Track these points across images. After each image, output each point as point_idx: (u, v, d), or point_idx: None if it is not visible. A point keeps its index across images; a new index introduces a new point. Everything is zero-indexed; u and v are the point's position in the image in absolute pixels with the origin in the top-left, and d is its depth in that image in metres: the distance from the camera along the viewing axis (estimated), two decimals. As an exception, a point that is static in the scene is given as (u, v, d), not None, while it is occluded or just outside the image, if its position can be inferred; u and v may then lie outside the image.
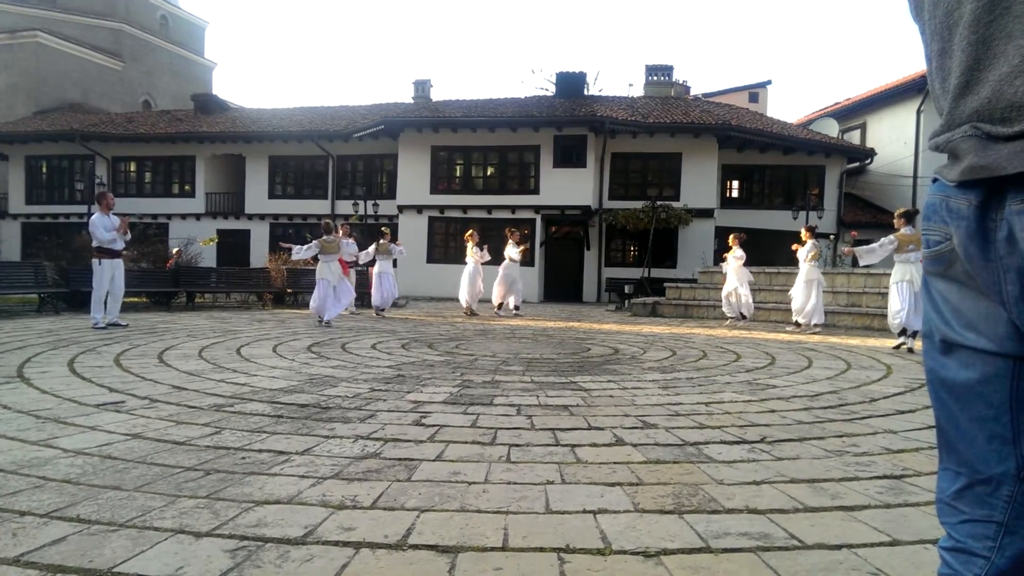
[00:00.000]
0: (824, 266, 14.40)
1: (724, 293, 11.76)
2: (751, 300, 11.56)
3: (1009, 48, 0.73)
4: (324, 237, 10.46)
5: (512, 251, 12.90)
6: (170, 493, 2.30)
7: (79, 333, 7.60)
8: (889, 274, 8.32)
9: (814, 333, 9.73)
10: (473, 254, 12.97)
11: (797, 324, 10.31)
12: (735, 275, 11.44)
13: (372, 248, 12.39)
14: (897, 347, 7.70)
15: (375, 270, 12.59)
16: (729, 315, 11.68)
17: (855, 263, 9.37)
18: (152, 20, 35.05)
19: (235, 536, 1.95)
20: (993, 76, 0.75)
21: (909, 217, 7.74)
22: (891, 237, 7.72)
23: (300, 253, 10.23)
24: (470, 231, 13.76)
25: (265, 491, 2.35)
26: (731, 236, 11.86)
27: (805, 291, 10.07)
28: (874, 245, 7.81)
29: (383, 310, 12.43)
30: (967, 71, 0.78)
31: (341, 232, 12.56)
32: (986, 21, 0.75)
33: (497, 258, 13.38)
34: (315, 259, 10.62)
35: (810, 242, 10.17)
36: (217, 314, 11.65)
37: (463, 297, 13.04)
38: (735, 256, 11.42)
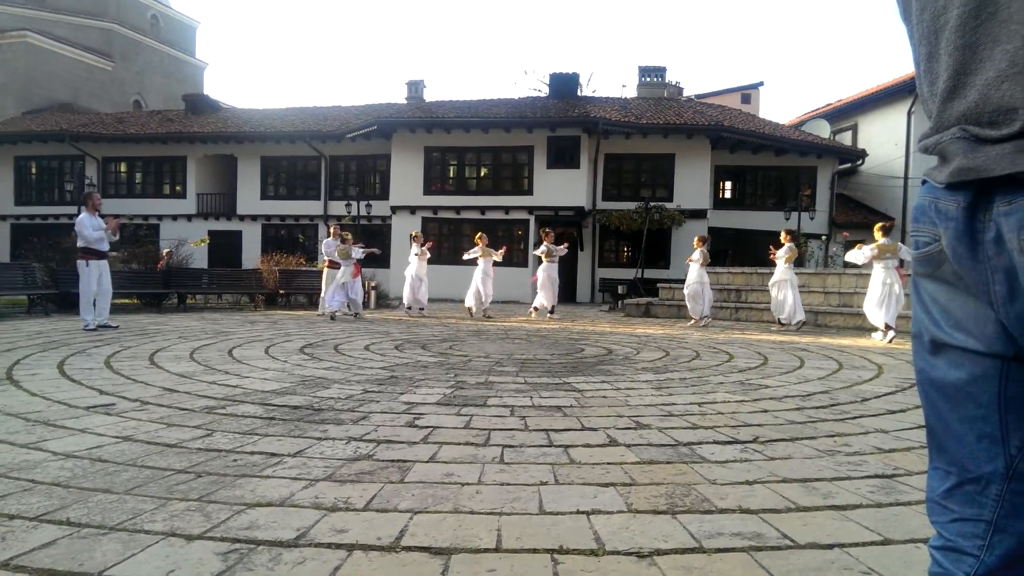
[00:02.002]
0: (816, 266, 14.50)
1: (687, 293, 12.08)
2: (703, 302, 11.79)
3: (995, 52, 0.73)
4: (340, 245, 11.76)
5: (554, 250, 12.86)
6: (161, 496, 2.29)
7: (69, 335, 7.55)
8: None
9: (796, 331, 10.06)
10: (484, 254, 12.81)
11: (779, 323, 10.67)
12: (692, 275, 11.78)
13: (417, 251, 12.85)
14: (890, 340, 8.66)
15: (409, 273, 12.81)
16: (692, 315, 11.86)
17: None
18: (143, 20, 34.87)
19: (227, 539, 1.94)
20: (980, 80, 0.76)
21: (886, 230, 9.15)
22: (873, 247, 9.04)
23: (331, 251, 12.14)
24: (479, 233, 13.77)
25: (257, 493, 2.33)
26: (696, 238, 12.26)
27: (779, 291, 10.58)
28: (860, 251, 9.23)
29: (411, 309, 12.87)
30: (954, 75, 0.79)
31: (332, 233, 12.66)
32: (972, 26, 0.76)
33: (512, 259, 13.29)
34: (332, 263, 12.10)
35: (787, 245, 10.63)
36: (209, 315, 11.59)
37: (469, 300, 12.93)
38: (692, 258, 11.83)
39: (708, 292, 11.76)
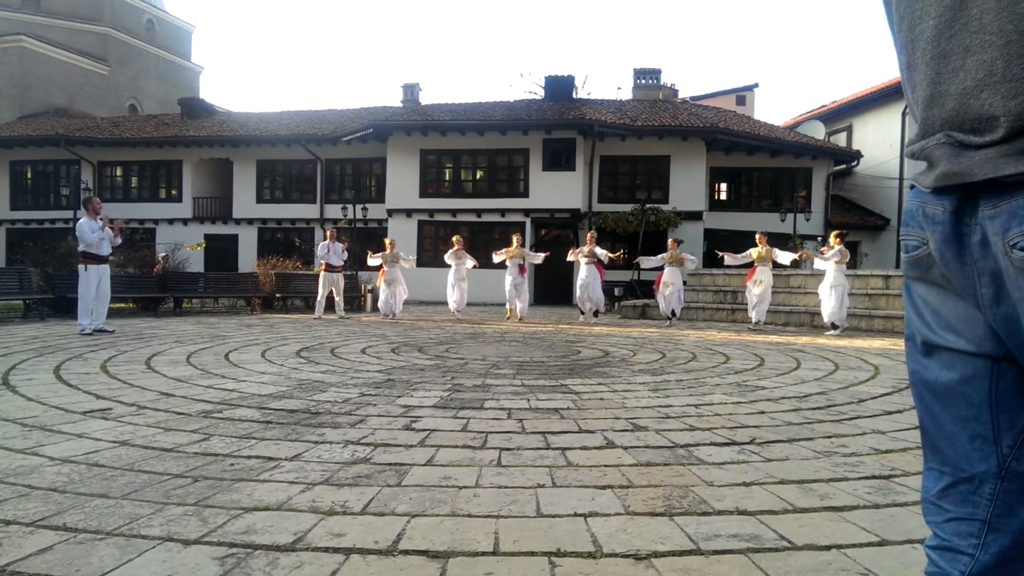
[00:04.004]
0: (811, 268, 14.67)
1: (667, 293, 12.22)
2: (674, 300, 12.09)
3: (968, 62, 0.75)
4: (386, 252, 12.85)
5: (599, 252, 12.68)
6: (158, 501, 2.28)
7: (65, 339, 7.52)
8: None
9: (759, 331, 10.53)
10: (510, 255, 12.78)
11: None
12: (670, 276, 12.03)
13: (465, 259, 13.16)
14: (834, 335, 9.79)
15: (450, 278, 12.93)
16: (665, 313, 12.18)
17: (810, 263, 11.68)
18: (138, 24, 34.82)
19: (224, 543, 1.93)
20: (955, 89, 0.77)
21: (843, 237, 10.49)
22: (837, 252, 10.15)
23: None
24: (516, 234, 13.79)
25: (254, 497, 2.33)
26: (670, 240, 12.67)
27: (762, 293, 11.03)
28: (827, 255, 10.36)
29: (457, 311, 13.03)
30: (931, 84, 0.81)
31: (328, 236, 12.69)
32: (947, 36, 0.77)
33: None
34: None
35: (762, 247, 11.10)
36: (205, 319, 11.57)
37: (514, 304, 12.90)
38: (689, 258, 12.23)
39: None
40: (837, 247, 10.20)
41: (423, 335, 9.14)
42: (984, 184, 0.75)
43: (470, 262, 13.07)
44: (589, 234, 13.09)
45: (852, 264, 19.52)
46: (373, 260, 13.13)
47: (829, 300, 10.19)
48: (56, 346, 6.90)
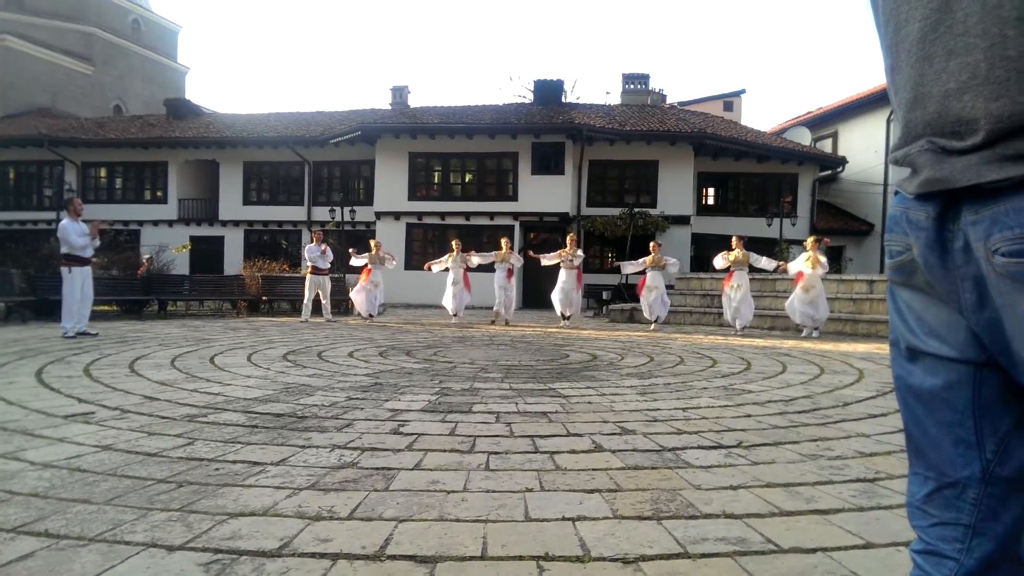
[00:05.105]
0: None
1: (651, 298, 12.21)
2: (658, 304, 12.09)
3: (952, 65, 0.76)
4: (372, 253, 12.93)
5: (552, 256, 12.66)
6: (141, 506, 2.26)
7: (47, 342, 7.43)
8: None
9: (745, 335, 10.66)
10: (498, 258, 12.82)
11: (737, 328, 11.23)
12: (652, 280, 12.09)
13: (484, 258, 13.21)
14: (805, 336, 10.45)
15: (449, 279, 12.89)
16: (648, 317, 12.21)
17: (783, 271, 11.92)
18: (124, 24, 34.51)
19: (209, 549, 1.91)
20: (938, 91, 0.78)
21: (818, 241, 11.01)
22: (803, 258, 10.74)
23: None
24: (504, 238, 13.78)
25: (239, 503, 2.31)
26: (651, 244, 12.70)
27: (738, 295, 11.15)
28: (795, 261, 11.09)
29: (457, 315, 13.01)
30: (915, 86, 0.81)
31: (314, 239, 12.63)
32: (931, 39, 0.78)
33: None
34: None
35: (738, 250, 11.33)
36: (190, 322, 11.47)
37: (502, 307, 12.92)
38: (670, 262, 12.33)
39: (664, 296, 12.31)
40: (814, 250, 10.69)
41: (411, 338, 9.11)
42: (966, 190, 0.76)
43: (475, 259, 13.07)
44: (570, 237, 13.06)
45: (837, 269, 19.86)
46: (358, 260, 13.08)
47: (821, 303, 10.56)
48: (38, 349, 6.81)
